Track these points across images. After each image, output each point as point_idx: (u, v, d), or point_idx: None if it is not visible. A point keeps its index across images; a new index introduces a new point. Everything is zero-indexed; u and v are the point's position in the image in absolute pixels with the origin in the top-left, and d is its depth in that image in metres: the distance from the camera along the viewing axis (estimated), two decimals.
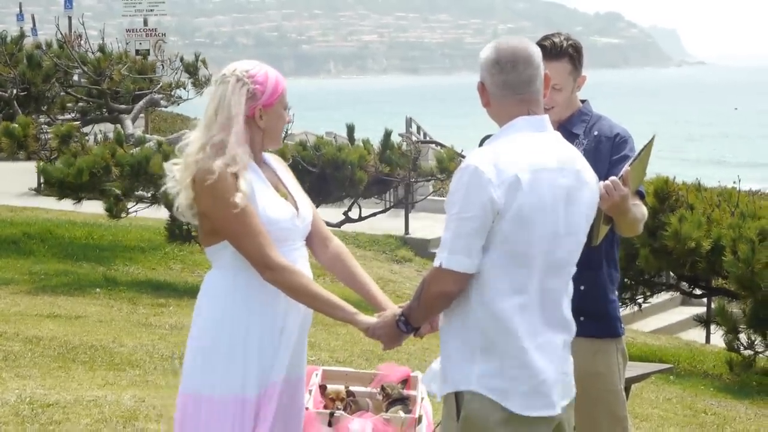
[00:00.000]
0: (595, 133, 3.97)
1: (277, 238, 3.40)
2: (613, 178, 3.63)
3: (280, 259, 3.36)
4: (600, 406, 3.97)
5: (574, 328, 3.25)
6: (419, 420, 3.97)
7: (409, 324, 3.25)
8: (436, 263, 3.08)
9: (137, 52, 17.65)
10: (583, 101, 4.06)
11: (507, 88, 3.15)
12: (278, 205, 3.46)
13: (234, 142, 3.35)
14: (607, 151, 3.93)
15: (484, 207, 3.01)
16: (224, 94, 3.40)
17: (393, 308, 3.42)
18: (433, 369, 3.42)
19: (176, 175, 3.44)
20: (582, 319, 3.88)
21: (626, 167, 3.68)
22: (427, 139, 18.94)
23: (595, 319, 3.95)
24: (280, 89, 3.46)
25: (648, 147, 3.76)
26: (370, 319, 3.39)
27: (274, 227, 3.40)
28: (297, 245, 3.51)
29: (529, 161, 3.07)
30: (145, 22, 19.04)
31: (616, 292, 4.07)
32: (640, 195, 3.91)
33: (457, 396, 3.12)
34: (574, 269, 3.22)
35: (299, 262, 3.48)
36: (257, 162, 3.49)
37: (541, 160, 3.09)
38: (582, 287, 3.88)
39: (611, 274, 4.01)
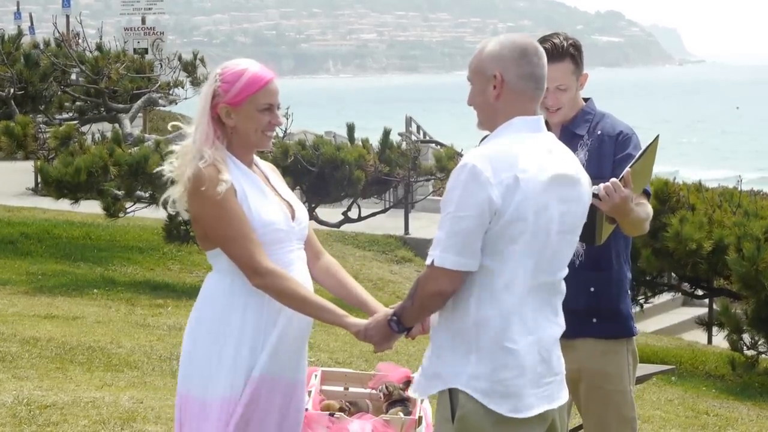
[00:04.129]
0: (599, 132, 3.96)
1: (272, 240, 3.38)
2: (613, 179, 3.62)
3: (269, 265, 3.34)
4: (609, 406, 3.96)
5: (563, 328, 3.24)
6: (419, 421, 3.94)
7: (401, 324, 3.23)
8: (428, 261, 3.07)
9: (135, 50, 17.59)
10: (586, 99, 4.05)
11: (531, 80, 3.14)
12: (271, 207, 3.43)
13: (200, 140, 3.36)
14: (610, 150, 3.92)
15: (480, 206, 3.00)
16: (201, 92, 3.43)
17: (384, 310, 3.39)
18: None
19: (174, 172, 3.44)
20: (594, 320, 3.87)
21: (627, 168, 3.66)
22: (427, 138, 18.91)
23: (607, 319, 3.94)
24: (253, 90, 3.39)
25: (652, 147, 3.74)
26: (361, 321, 3.37)
27: (268, 229, 3.38)
28: (293, 247, 3.48)
29: (527, 162, 3.07)
30: (143, 21, 18.99)
31: (629, 292, 4.05)
32: (647, 194, 3.90)
33: (452, 396, 3.11)
34: (566, 269, 3.22)
35: (296, 263, 3.46)
36: (247, 164, 3.47)
37: (538, 160, 3.10)
38: (592, 288, 3.88)
39: (622, 273, 4.00)
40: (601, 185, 3.60)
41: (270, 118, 3.44)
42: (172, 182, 3.48)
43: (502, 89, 3.14)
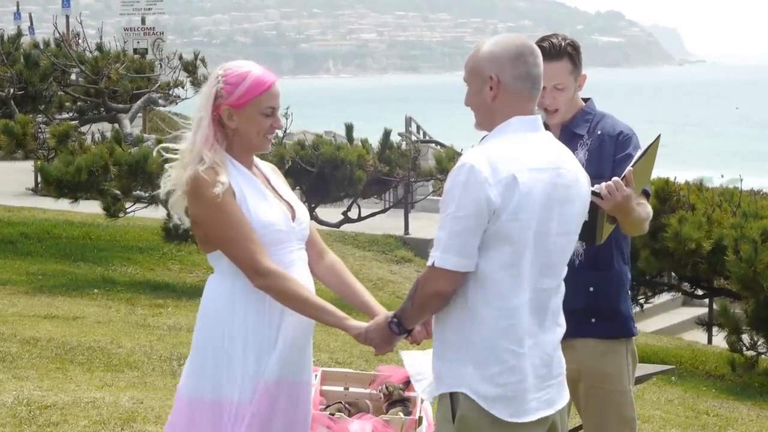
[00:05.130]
0: (599, 132, 3.97)
1: (273, 241, 3.38)
2: (615, 178, 3.63)
3: (270, 265, 3.34)
4: (608, 407, 3.96)
5: (564, 328, 3.24)
6: (419, 422, 3.94)
7: (402, 325, 3.22)
8: (429, 262, 3.07)
9: (135, 51, 17.61)
10: (586, 100, 4.05)
11: (528, 81, 3.14)
12: (271, 208, 3.43)
13: (200, 142, 3.36)
14: (610, 150, 3.93)
15: (479, 206, 3.01)
16: (202, 93, 3.43)
17: (385, 312, 3.39)
18: (417, 361, 3.40)
19: (173, 174, 3.43)
20: (593, 320, 3.87)
21: (629, 167, 3.67)
22: (427, 138, 18.90)
23: (606, 319, 3.95)
24: (257, 93, 3.38)
25: (653, 146, 3.75)
26: (361, 324, 3.37)
27: (268, 230, 3.38)
28: (294, 248, 3.48)
29: (525, 161, 3.07)
30: (143, 21, 19.01)
31: (629, 291, 4.05)
32: (646, 194, 3.90)
33: (452, 397, 3.11)
34: (566, 269, 3.22)
35: (297, 264, 3.46)
36: (247, 166, 3.46)
37: (536, 159, 3.10)
38: (591, 288, 3.89)
39: (623, 273, 4.01)
40: (603, 184, 3.61)
41: (272, 121, 3.44)
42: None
43: (498, 90, 3.14)
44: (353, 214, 13.65)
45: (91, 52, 14.96)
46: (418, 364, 3.48)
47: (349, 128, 13.57)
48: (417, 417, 3.97)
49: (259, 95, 3.39)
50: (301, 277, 3.44)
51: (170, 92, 15.24)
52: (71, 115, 15.09)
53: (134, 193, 11.79)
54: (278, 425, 3.42)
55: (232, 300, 3.39)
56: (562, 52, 3.89)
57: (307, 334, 3.51)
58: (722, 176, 11.59)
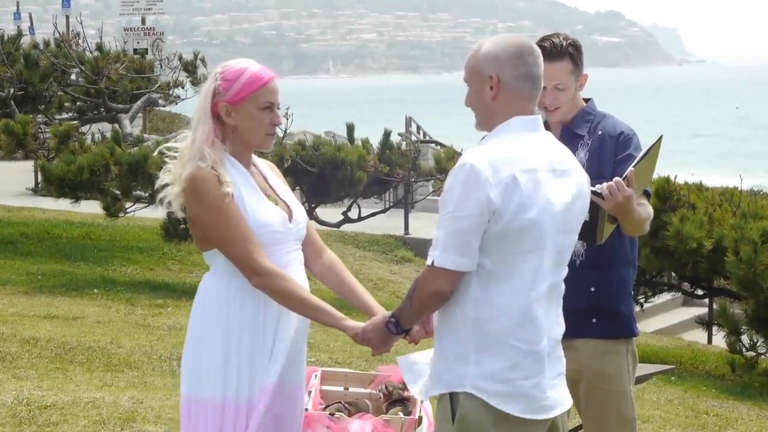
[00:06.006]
0: (599, 132, 3.97)
1: (269, 242, 3.38)
2: (616, 179, 3.63)
3: (268, 265, 3.33)
4: (609, 407, 3.97)
5: (563, 327, 3.24)
6: (419, 421, 3.93)
7: (399, 325, 3.21)
8: (428, 262, 3.07)
9: (135, 51, 17.60)
10: (587, 100, 4.05)
11: (528, 80, 3.14)
12: (268, 208, 3.43)
13: (200, 139, 3.35)
14: (611, 150, 3.93)
15: (480, 206, 3.01)
16: (201, 91, 3.43)
17: (383, 312, 3.38)
18: (412, 361, 3.39)
19: (173, 170, 3.42)
20: (594, 320, 3.87)
21: (631, 168, 3.67)
22: (427, 138, 18.89)
23: (607, 319, 3.95)
24: (254, 88, 3.38)
25: (655, 147, 3.76)
26: (359, 324, 3.36)
27: (264, 230, 3.37)
28: (291, 248, 3.47)
29: (526, 161, 3.08)
30: (143, 21, 19.01)
31: (631, 292, 4.05)
32: (647, 195, 3.90)
33: (452, 397, 3.11)
34: (566, 269, 3.23)
35: (293, 265, 3.45)
36: (245, 164, 3.45)
37: (537, 159, 3.10)
38: (592, 288, 3.89)
39: (625, 273, 4.01)
40: (604, 184, 3.62)
41: (270, 117, 3.43)
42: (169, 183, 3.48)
43: (498, 90, 3.15)
44: (353, 214, 13.64)
45: (91, 52, 14.96)
46: (412, 366, 3.46)
47: (350, 128, 13.56)
48: (417, 417, 3.97)
49: (256, 90, 3.38)
50: (298, 278, 3.44)
51: (170, 92, 15.24)
52: (71, 115, 15.09)
53: (134, 193, 11.80)
54: (274, 426, 3.41)
55: (227, 299, 3.39)
56: (563, 52, 3.89)
57: (303, 335, 3.50)
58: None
